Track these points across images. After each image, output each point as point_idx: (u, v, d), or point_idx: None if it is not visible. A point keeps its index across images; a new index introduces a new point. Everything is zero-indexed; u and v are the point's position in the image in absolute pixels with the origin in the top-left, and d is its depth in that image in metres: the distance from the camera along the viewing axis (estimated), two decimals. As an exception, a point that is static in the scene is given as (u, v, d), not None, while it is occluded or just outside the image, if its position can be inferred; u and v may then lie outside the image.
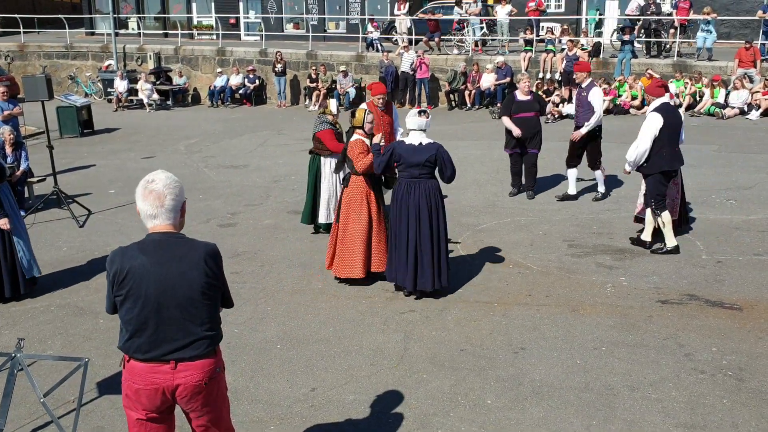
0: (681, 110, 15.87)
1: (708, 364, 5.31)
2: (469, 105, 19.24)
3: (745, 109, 16.08)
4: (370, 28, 22.10)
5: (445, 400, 4.91)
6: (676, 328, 5.95)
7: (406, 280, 6.55)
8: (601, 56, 19.14)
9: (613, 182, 10.62)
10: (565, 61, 17.73)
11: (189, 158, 13.93)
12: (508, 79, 18.56)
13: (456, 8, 21.23)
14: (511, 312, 6.35)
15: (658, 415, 4.66)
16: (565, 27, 19.97)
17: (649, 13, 19.11)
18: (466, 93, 19.26)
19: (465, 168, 11.77)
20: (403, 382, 5.16)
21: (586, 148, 9.58)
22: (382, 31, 22.82)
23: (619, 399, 4.86)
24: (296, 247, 8.30)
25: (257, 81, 21.80)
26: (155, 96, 21.37)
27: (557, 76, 18.29)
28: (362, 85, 20.57)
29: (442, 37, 21.25)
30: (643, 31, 19.40)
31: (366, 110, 7.02)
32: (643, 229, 7.93)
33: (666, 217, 7.62)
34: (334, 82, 20.50)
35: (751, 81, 16.45)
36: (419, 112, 6.52)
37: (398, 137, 8.63)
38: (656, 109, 7.54)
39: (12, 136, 9.67)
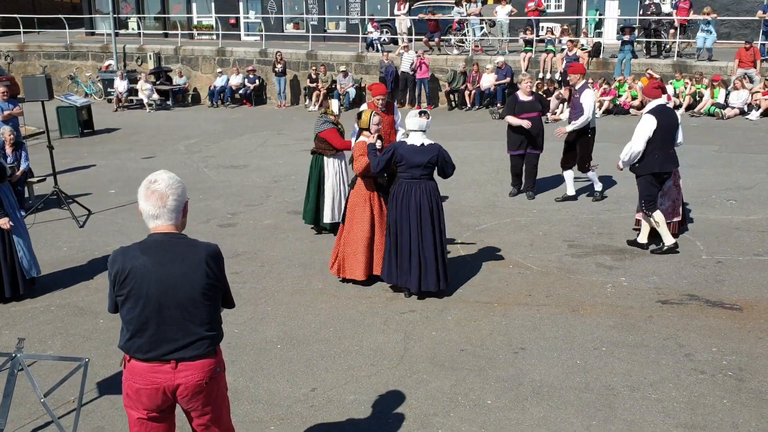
0: (681, 110, 16.01)
1: (708, 365, 5.31)
2: (469, 105, 19.24)
3: (745, 109, 16.09)
4: (370, 28, 22.10)
5: (446, 400, 4.91)
6: (677, 328, 5.95)
7: (410, 282, 6.54)
8: (601, 56, 19.15)
9: (613, 182, 10.64)
10: (565, 62, 17.74)
11: (189, 158, 13.93)
12: (508, 79, 18.57)
13: (456, 8, 21.24)
14: (511, 312, 6.35)
15: (659, 415, 4.66)
16: (565, 27, 19.98)
17: (649, 13, 19.12)
18: (466, 93, 19.27)
19: (465, 168, 11.77)
20: (403, 382, 5.16)
21: (577, 150, 9.60)
22: (380, 26, 22.75)
23: (620, 399, 4.86)
24: (296, 248, 8.30)
25: (257, 81, 21.80)
26: (155, 96, 21.38)
27: (557, 76, 18.29)
28: (362, 85, 20.58)
29: (442, 37, 21.26)
30: (642, 31, 19.41)
31: (372, 112, 7.04)
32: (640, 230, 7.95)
33: (658, 216, 7.64)
34: (334, 82, 20.51)
35: (751, 81, 16.46)
36: (420, 113, 6.52)
37: (399, 137, 8.64)
38: (651, 111, 7.55)
39: (12, 136, 9.66)
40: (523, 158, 9.93)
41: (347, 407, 4.84)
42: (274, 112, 20.59)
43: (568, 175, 9.82)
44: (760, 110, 15.75)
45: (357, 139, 7.11)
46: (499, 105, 18.30)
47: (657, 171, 7.51)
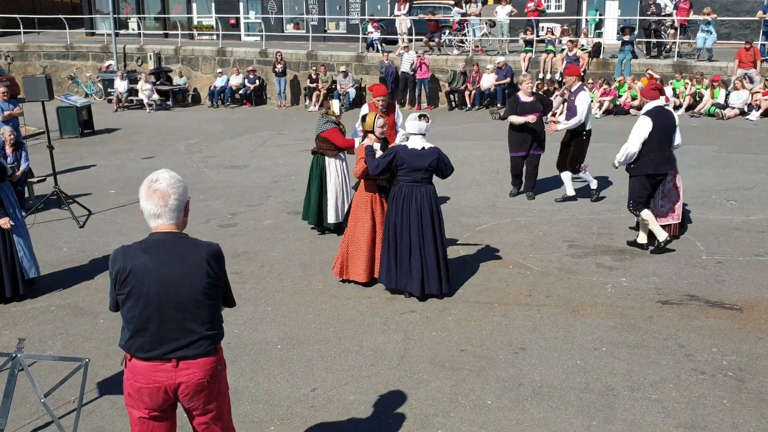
0: (681, 111, 16.01)
1: (708, 365, 5.31)
2: (469, 105, 19.25)
3: (745, 109, 16.09)
4: (370, 28, 22.10)
5: (446, 400, 4.91)
6: (677, 328, 5.95)
7: (411, 285, 6.54)
8: (601, 57, 19.15)
9: (614, 183, 10.63)
10: (565, 62, 17.75)
11: (189, 158, 13.93)
12: (508, 79, 18.57)
13: (456, 8, 21.24)
14: (511, 312, 6.35)
15: (659, 415, 4.66)
16: (565, 27, 19.99)
17: (649, 13, 19.12)
18: (466, 93, 19.27)
19: (465, 168, 11.78)
20: (403, 382, 5.16)
21: (570, 150, 9.61)
22: (379, 25, 22.76)
23: (620, 399, 4.86)
24: (296, 248, 8.30)
25: (257, 81, 21.80)
26: (155, 96, 21.38)
27: (557, 76, 18.29)
28: (362, 85, 20.58)
29: (433, 36, 21.26)
30: (642, 31, 19.43)
31: (376, 115, 7.08)
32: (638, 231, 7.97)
33: (646, 214, 7.68)
34: (334, 82, 20.51)
35: (751, 81, 16.46)
36: (419, 116, 6.53)
37: (399, 137, 8.64)
38: (647, 113, 7.57)
39: (12, 136, 9.66)
40: (524, 159, 9.92)
41: (347, 407, 4.84)
42: (274, 113, 20.59)
43: (566, 176, 9.82)
44: (760, 111, 15.75)
45: (362, 140, 7.15)
46: (499, 105, 18.30)
47: (651, 172, 7.53)
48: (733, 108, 16.05)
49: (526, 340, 5.79)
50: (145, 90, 21.11)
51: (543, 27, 21.06)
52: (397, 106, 9.58)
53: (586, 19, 23.48)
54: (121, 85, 21.33)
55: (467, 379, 5.18)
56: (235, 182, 11.77)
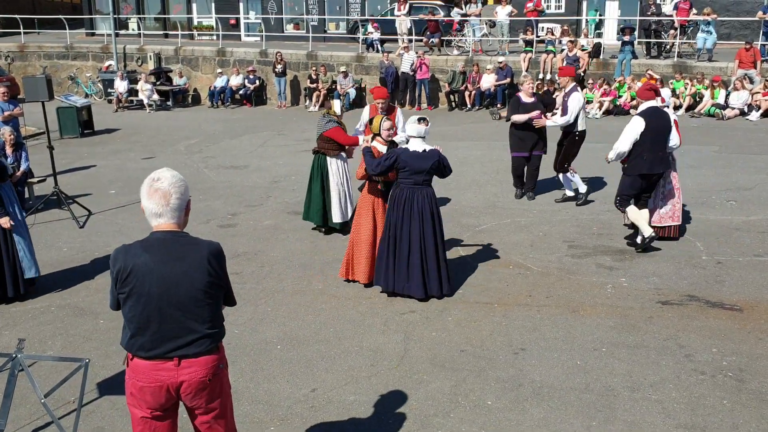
0: (681, 111, 16.01)
1: (708, 365, 5.31)
2: (469, 106, 19.25)
3: (746, 110, 16.09)
4: (370, 28, 22.10)
5: (446, 401, 4.91)
6: (677, 329, 5.95)
7: (411, 288, 6.54)
8: (601, 57, 19.15)
9: (613, 184, 10.62)
10: (565, 62, 17.74)
11: (189, 159, 13.93)
12: (508, 80, 18.58)
13: (456, 9, 21.25)
14: (511, 313, 6.35)
15: (659, 416, 4.66)
16: (565, 28, 19.99)
17: (649, 13, 19.13)
18: (466, 94, 19.27)
19: (465, 169, 11.79)
20: (403, 383, 5.16)
21: (562, 150, 9.61)
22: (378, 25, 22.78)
23: (620, 400, 4.86)
24: (296, 248, 8.30)
25: (257, 82, 21.81)
26: (155, 96, 21.39)
27: (555, 76, 18.30)
28: (362, 85, 20.58)
29: (441, 37, 21.27)
30: (642, 31, 19.44)
31: (383, 117, 7.11)
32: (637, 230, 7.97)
33: (631, 211, 7.71)
34: (334, 82, 20.51)
35: (752, 82, 16.46)
36: (419, 119, 6.56)
37: (398, 139, 8.65)
38: (641, 113, 7.60)
39: (12, 136, 9.66)
40: (526, 160, 9.90)
41: (347, 408, 4.84)
42: (275, 113, 20.59)
43: (564, 176, 9.82)
44: (760, 111, 15.75)
45: (371, 141, 7.18)
46: (499, 105, 18.31)
47: (645, 172, 7.58)
48: (733, 108, 16.05)
49: (526, 341, 5.79)
50: (145, 90, 21.12)
51: (543, 27, 21.06)
52: (398, 108, 9.58)
53: (586, 20, 23.48)
54: (121, 86, 21.33)
55: (467, 380, 5.18)
56: (235, 182, 11.77)
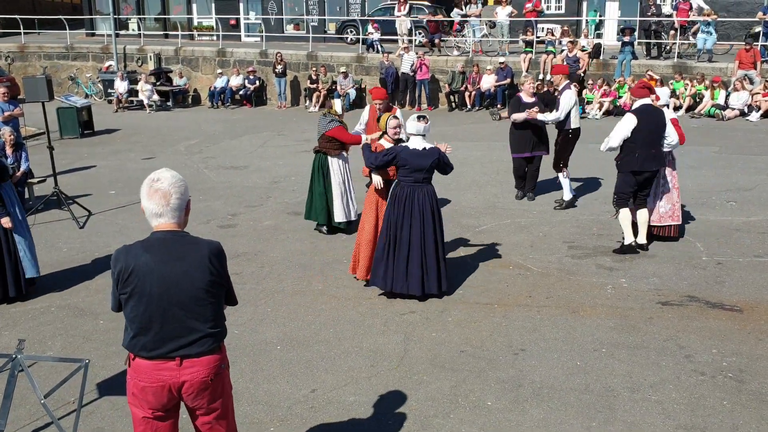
0: (681, 111, 16.00)
1: (708, 366, 5.31)
2: (469, 106, 19.25)
3: (746, 110, 16.09)
4: (370, 29, 22.11)
5: (446, 401, 4.90)
6: (677, 329, 5.95)
7: (410, 286, 6.53)
8: (601, 57, 19.16)
9: (612, 184, 10.60)
10: (565, 62, 17.73)
11: (189, 159, 13.93)
12: (508, 80, 18.58)
13: (456, 9, 21.25)
14: (511, 313, 6.35)
15: (659, 416, 4.66)
16: (565, 28, 19.99)
17: (649, 14, 19.13)
18: (466, 94, 19.27)
19: (465, 169, 11.78)
20: (403, 383, 5.16)
21: (557, 149, 9.60)
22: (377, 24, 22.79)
23: (620, 400, 4.86)
24: (296, 248, 8.30)
25: (257, 82, 21.81)
26: (155, 97, 21.39)
27: (550, 74, 18.30)
28: (362, 86, 20.58)
29: (441, 38, 21.28)
30: (642, 32, 19.43)
31: (390, 115, 7.12)
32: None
33: (623, 213, 7.75)
34: (334, 83, 20.52)
35: (752, 82, 16.47)
36: (418, 117, 6.57)
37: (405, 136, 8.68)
38: (634, 110, 7.62)
39: (12, 137, 9.66)
40: (527, 161, 9.89)
41: (347, 408, 4.84)
42: (275, 113, 20.60)
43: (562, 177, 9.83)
44: (761, 112, 15.75)
45: (379, 139, 7.21)
46: (499, 106, 18.31)
47: (637, 169, 7.61)
48: (733, 109, 16.05)
49: (526, 341, 5.79)
50: (145, 91, 21.12)
51: (543, 28, 21.06)
52: (397, 108, 9.59)
53: (586, 20, 23.48)
54: (121, 86, 21.34)
55: (467, 380, 5.17)
56: (235, 183, 11.77)
